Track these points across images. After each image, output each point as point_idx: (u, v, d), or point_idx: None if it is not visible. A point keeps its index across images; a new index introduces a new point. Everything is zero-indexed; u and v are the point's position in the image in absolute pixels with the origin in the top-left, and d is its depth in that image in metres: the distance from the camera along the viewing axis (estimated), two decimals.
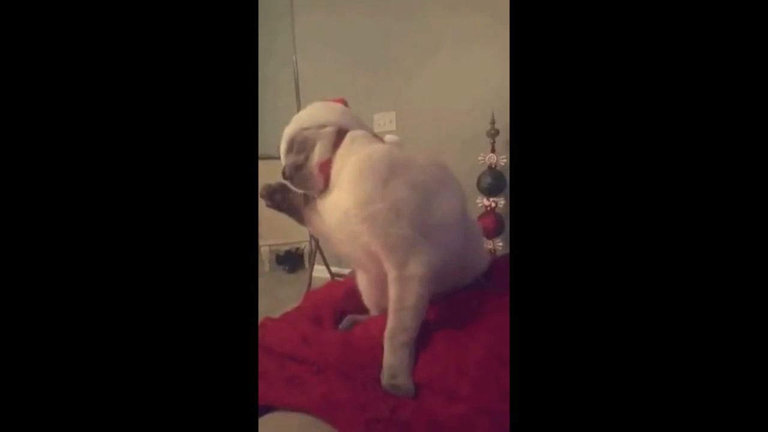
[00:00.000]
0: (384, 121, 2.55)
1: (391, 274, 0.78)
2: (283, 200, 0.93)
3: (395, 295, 0.78)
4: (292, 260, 2.96)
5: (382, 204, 0.77)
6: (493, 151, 1.97)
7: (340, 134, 0.86)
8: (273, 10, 2.84)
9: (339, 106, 0.92)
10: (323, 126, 0.87)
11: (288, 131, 0.90)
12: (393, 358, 0.74)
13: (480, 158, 1.97)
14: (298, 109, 2.69)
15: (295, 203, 0.94)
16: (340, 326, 0.96)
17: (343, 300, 1.05)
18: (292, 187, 0.89)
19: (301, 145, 0.86)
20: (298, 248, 3.01)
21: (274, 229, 2.33)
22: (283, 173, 0.86)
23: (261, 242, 2.53)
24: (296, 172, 0.85)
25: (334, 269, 2.67)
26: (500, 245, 2.03)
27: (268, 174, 1.09)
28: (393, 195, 0.77)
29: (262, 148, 2.01)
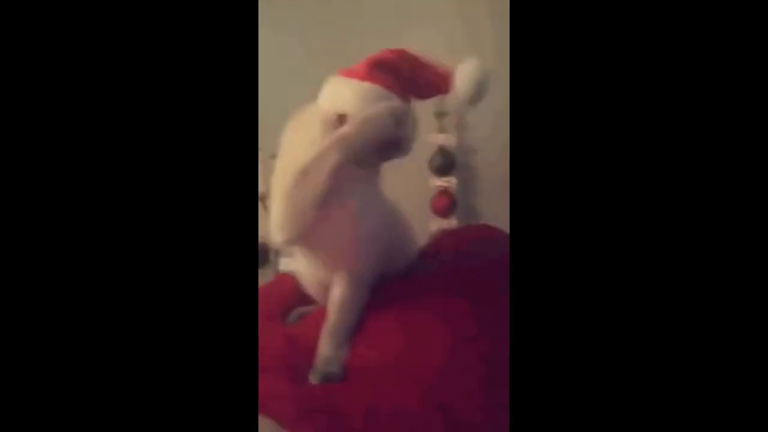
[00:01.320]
0: None
1: (342, 275, 0.83)
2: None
3: (340, 294, 0.82)
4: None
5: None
6: (441, 131, 2.00)
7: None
8: None
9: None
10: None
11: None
12: (329, 350, 0.79)
13: (429, 138, 1.99)
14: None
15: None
16: (288, 320, 0.97)
17: (291, 292, 1.07)
18: None
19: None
20: (263, 242, 2.98)
21: None
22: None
23: None
24: None
25: None
26: (454, 224, 2.08)
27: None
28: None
29: None
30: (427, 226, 2.10)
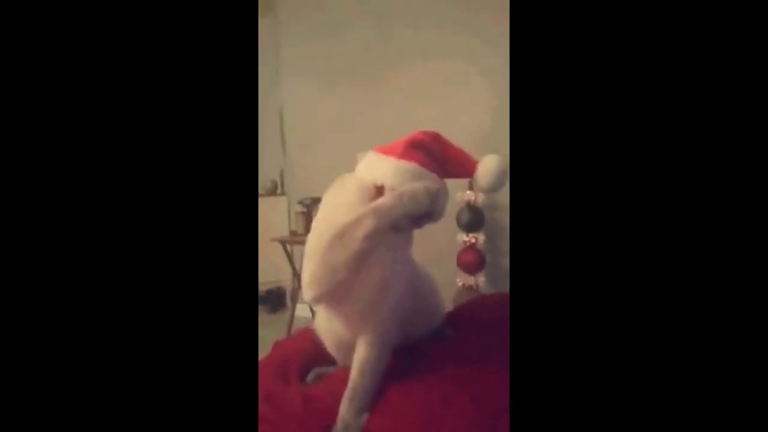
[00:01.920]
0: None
1: (367, 338, 0.82)
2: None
3: (363, 357, 0.81)
4: (273, 299, 2.89)
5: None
6: (470, 188, 1.98)
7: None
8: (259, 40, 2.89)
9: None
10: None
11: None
12: (349, 415, 0.76)
13: (458, 196, 1.98)
14: (283, 144, 2.77)
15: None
16: (306, 380, 0.93)
17: (312, 350, 1.02)
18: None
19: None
20: (279, 287, 2.95)
21: None
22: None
23: None
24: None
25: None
26: (482, 279, 2.01)
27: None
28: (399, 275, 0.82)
29: None
30: (453, 281, 2.04)
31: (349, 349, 0.85)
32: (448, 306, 1.08)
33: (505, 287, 2.12)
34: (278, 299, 2.91)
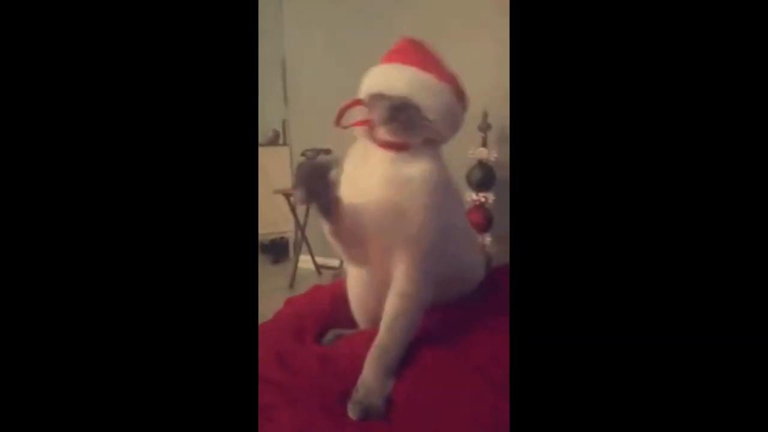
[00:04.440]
0: None
1: (399, 286, 0.76)
2: (324, 189, 0.74)
3: (394, 309, 0.75)
4: (276, 250, 2.89)
5: (433, 220, 0.76)
6: (484, 145, 1.92)
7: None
8: None
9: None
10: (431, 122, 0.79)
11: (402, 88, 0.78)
12: (372, 378, 0.71)
13: (470, 153, 1.92)
14: (285, 96, 2.67)
15: (332, 192, 0.77)
16: (323, 340, 0.91)
17: (328, 310, 1.00)
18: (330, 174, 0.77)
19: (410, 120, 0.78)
20: (282, 237, 2.94)
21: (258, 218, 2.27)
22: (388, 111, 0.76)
23: None
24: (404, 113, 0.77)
25: (320, 260, 2.62)
26: (488, 240, 2.00)
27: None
28: (441, 217, 0.78)
29: None
30: None
31: (375, 315, 0.81)
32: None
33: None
34: (281, 250, 2.92)
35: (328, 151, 2.42)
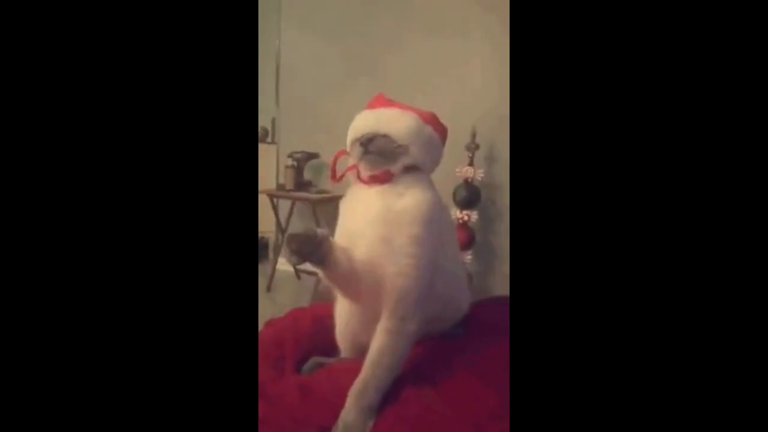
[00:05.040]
0: None
1: (387, 322, 0.76)
2: (314, 250, 0.75)
3: (381, 345, 0.75)
4: None
5: (423, 254, 0.77)
6: (470, 164, 1.94)
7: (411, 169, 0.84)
8: None
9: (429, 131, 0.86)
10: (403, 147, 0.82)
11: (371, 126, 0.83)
12: (354, 416, 0.71)
13: (457, 171, 1.94)
14: (277, 95, 2.63)
15: (324, 249, 0.78)
16: (304, 369, 0.90)
17: (309, 333, 1.00)
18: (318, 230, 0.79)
19: (381, 148, 0.81)
20: (262, 237, 2.91)
21: None
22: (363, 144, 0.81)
23: None
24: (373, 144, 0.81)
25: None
26: (469, 258, 2.03)
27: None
28: (430, 250, 0.78)
29: None
30: None
31: (360, 344, 0.81)
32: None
33: (492, 267, 2.16)
34: (260, 250, 2.88)
35: (316, 155, 2.41)
